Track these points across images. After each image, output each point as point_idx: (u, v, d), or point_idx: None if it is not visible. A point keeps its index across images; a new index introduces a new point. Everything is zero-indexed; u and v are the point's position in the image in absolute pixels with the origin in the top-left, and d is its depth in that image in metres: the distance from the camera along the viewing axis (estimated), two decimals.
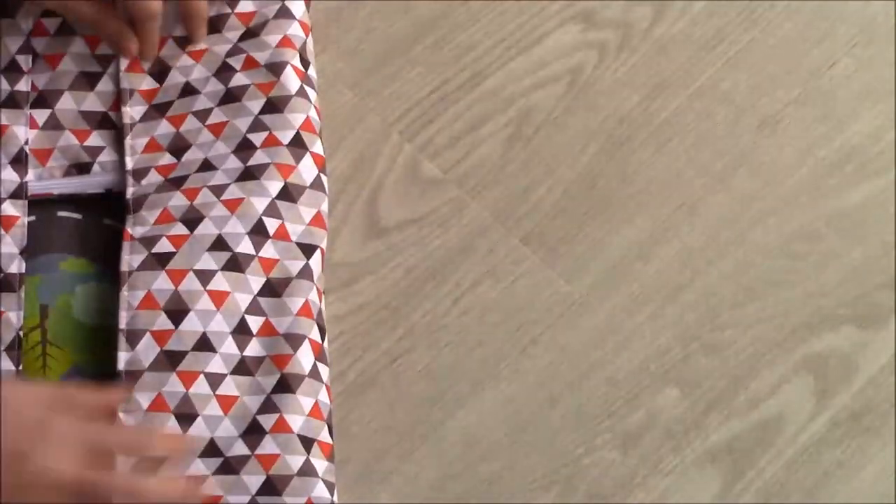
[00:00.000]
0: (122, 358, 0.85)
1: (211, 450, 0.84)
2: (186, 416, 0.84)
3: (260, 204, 0.88)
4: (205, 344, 0.85)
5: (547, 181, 0.95)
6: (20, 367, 0.85)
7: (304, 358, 0.86)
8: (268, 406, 0.84)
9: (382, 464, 0.89)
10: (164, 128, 0.90)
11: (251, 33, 0.91)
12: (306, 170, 0.89)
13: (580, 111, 0.97)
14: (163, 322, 0.85)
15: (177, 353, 0.85)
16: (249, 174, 0.88)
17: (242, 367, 0.85)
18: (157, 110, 0.91)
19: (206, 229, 0.87)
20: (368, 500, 0.88)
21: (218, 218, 0.88)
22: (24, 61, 0.91)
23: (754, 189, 0.96)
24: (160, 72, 0.91)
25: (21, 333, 0.86)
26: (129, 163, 0.89)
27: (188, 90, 0.91)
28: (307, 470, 0.84)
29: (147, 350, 0.85)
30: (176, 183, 0.89)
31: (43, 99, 0.90)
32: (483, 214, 0.94)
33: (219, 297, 0.86)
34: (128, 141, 0.90)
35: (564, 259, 0.94)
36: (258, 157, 0.89)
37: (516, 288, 0.93)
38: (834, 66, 0.99)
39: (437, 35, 0.97)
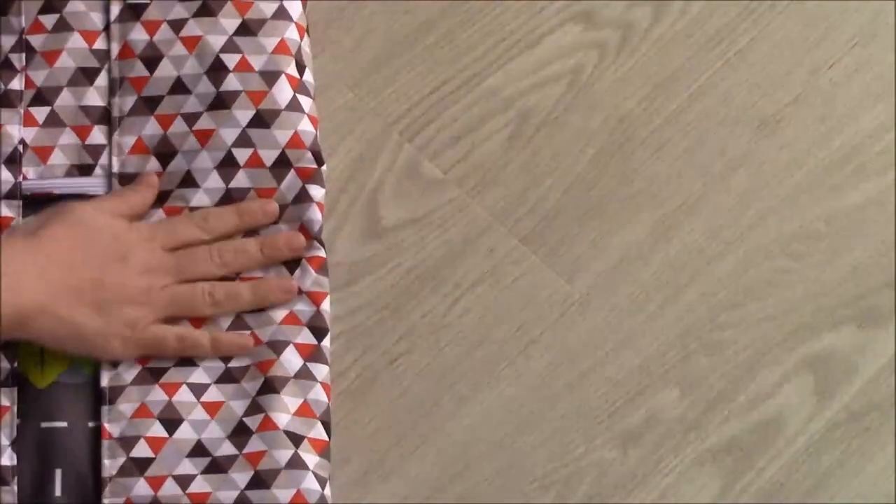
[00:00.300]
0: (105, 376, 0.86)
1: (198, 450, 0.85)
2: (171, 421, 0.85)
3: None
4: (186, 360, 0.87)
5: (547, 181, 0.95)
6: (15, 365, 0.86)
7: (289, 361, 0.86)
8: (253, 408, 0.86)
9: (382, 464, 0.89)
10: (151, 127, 0.90)
11: (248, 29, 0.91)
12: (289, 188, 0.90)
13: (580, 111, 0.97)
14: None
15: (158, 368, 0.87)
16: (229, 198, 0.90)
17: (227, 377, 0.87)
18: (147, 104, 0.90)
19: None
20: (368, 500, 0.88)
21: None
22: (18, 59, 0.91)
23: (754, 189, 0.96)
24: (152, 58, 0.90)
25: None
26: (116, 164, 0.90)
27: (179, 87, 0.90)
28: (296, 462, 0.84)
29: (129, 368, 0.87)
30: (159, 198, 0.89)
31: (42, 96, 0.90)
32: (483, 214, 0.94)
33: (197, 323, 0.88)
34: (115, 137, 0.90)
35: (564, 259, 0.94)
36: (240, 180, 0.90)
37: (516, 288, 0.93)
38: (834, 66, 0.99)
39: (437, 35, 0.97)
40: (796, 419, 0.91)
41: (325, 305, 0.89)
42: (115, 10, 0.91)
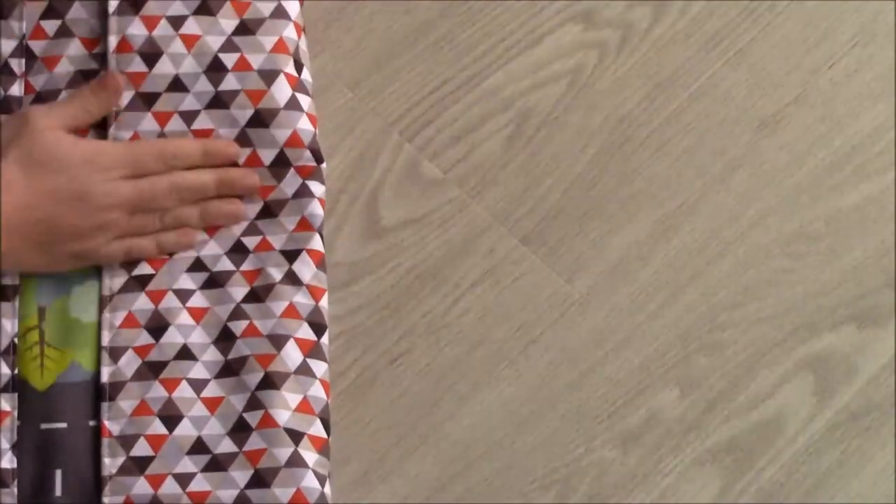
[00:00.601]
0: (106, 371, 0.87)
1: (198, 447, 0.85)
2: (171, 418, 0.85)
3: (238, 227, 0.90)
4: (186, 353, 0.87)
5: (547, 181, 0.95)
6: (16, 371, 0.86)
7: (290, 356, 0.87)
8: (253, 403, 0.86)
9: (382, 464, 0.89)
10: (148, 123, 0.90)
11: (246, 28, 0.91)
12: (289, 185, 0.90)
13: (580, 111, 0.97)
14: (144, 338, 0.88)
15: (158, 363, 0.87)
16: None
17: (226, 370, 0.87)
18: (144, 100, 0.90)
19: (184, 251, 0.89)
20: (369, 500, 0.89)
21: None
22: (18, 64, 0.90)
23: (754, 189, 0.96)
24: (151, 54, 0.90)
25: (16, 340, 0.86)
26: None
27: (177, 85, 0.90)
28: (295, 461, 0.85)
29: (129, 363, 0.87)
30: None
31: (41, 100, 0.90)
32: (483, 214, 0.94)
33: (198, 313, 0.88)
34: (111, 132, 0.89)
35: (564, 259, 0.94)
36: None
37: (516, 288, 0.93)
38: (834, 66, 0.99)
39: (437, 35, 0.97)
40: (796, 419, 0.91)
41: (324, 302, 0.89)
42: (114, 3, 0.91)
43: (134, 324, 0.87)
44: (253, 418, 0.86)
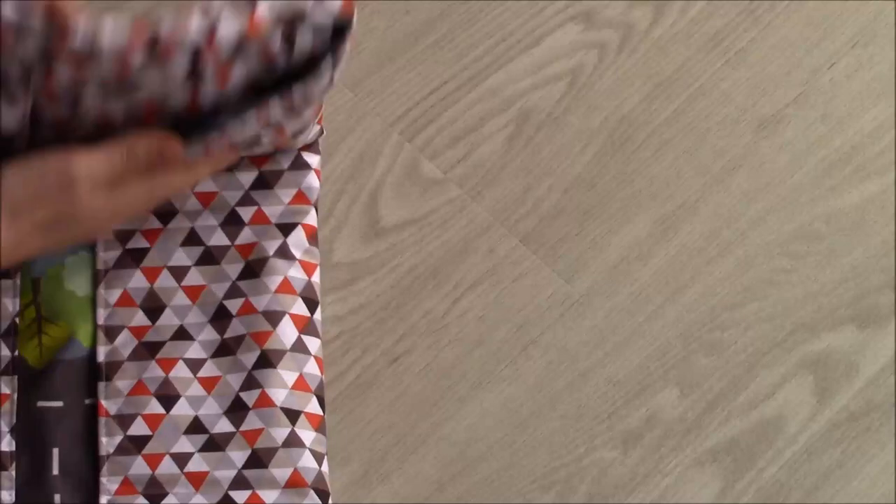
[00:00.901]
0: (102, 351, 0.87)
1: (196, 427, 0.85)
2: (168, 397, 0.86)
3: (232, 197, 0.89)
4: (182, 334, 0.87)
5: (547, 181, 0.95)
6: (16, 352, 0.86)
7: (285, 333, 0.87)
8: (250, 382, 0.86)
9: (382, 464, 0.89)
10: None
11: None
12: (285, 156, 0.90)
13: (580, 111, 0.97)
14: (140, 319, 0.88)
15: (154, 343, 0.87)
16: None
17: (223, 349, 0.87)
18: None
19: (179, 223, 0.89)
20: (369, 500, 0.89)
21: (191, 212, 0.89)
22: None
23: (754, 189, 0.96)
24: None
25: (17, 320, 0.86)
26: None
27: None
28: (293, 441, 0.85)
29: (125, 343, 0.87)
30: None
31: None
32: (483, 214, 0.94)
33: (194, 292, 0.88)
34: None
35: (564, 259, 0.94)
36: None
37: (516, 288, 0.93)
38: (834, 66, 0.99)
39: (437, 35, 0.97)
40: (796, 419, 0.92)
41: (316, 277, 0.89)
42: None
43: (130, 303, 0.87)
44: (250, 397, 0.86)
